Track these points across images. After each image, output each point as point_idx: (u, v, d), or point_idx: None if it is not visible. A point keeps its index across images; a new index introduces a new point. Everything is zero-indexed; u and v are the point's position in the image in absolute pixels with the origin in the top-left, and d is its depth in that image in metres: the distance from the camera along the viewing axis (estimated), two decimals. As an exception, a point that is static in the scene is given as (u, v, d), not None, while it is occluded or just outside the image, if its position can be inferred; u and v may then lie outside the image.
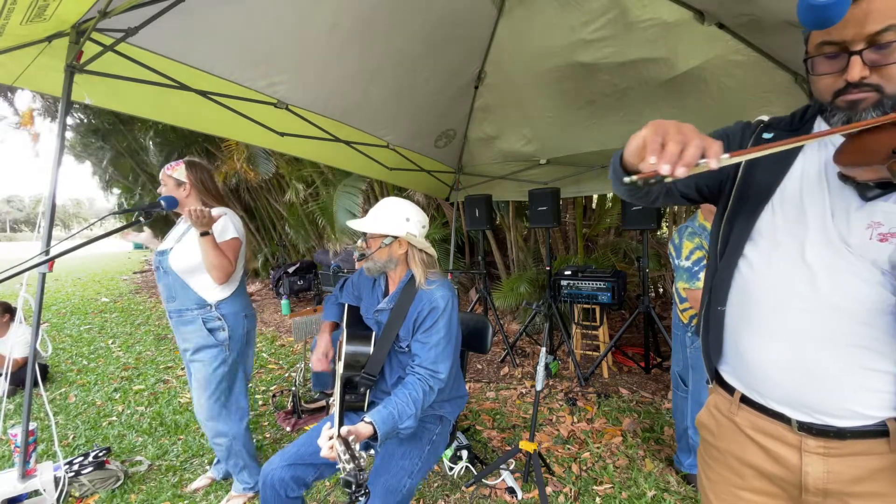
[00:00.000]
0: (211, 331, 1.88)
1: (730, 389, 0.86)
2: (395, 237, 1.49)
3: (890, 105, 0.69)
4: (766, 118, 0.90)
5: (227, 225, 1.91)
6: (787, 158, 0.81)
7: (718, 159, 0.59)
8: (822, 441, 0.74)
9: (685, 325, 2.00)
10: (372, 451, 1.35)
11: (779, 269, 0.77)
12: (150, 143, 7.35)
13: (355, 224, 1.54)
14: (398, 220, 1.49)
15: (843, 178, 0.73)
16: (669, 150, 0.58)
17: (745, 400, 0.83)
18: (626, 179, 0.63)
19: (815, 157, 0.79)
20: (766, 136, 0.85)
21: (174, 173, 1.91)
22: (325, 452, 1.11)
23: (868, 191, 0.71)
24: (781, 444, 0.79)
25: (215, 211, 1.89)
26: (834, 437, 0.73)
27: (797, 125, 0.84)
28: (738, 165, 0.86)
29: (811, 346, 0.73)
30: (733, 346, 0.84)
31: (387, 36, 2.45)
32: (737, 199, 0.85)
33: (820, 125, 0.81)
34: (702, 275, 1.73)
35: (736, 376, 0.85)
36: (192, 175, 1.93)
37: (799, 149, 0.82)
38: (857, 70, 0.68)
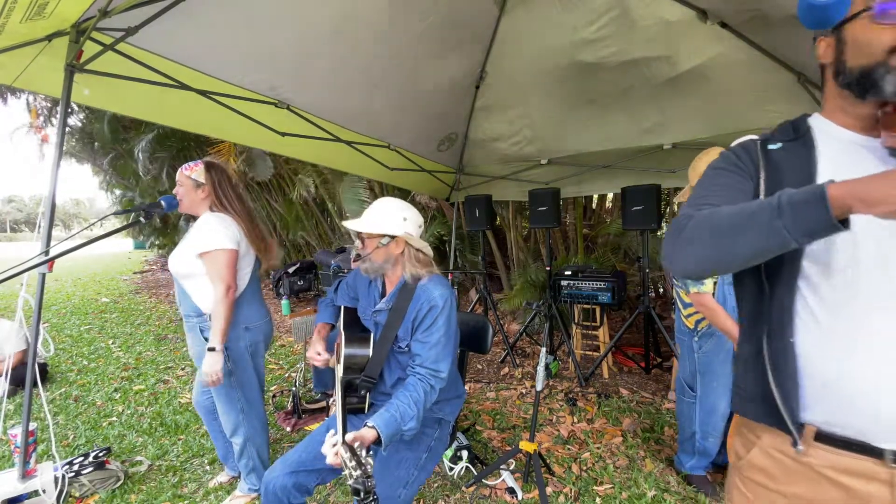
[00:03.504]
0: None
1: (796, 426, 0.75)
2: (393, 237, 1.47)
3: None
4: (754, 137, 0.86)
5: (208, 235, 1.77)
6: (808, 153, 0.77)
7: None
8: None
9: (691, 330, 1.99)
10: (371, 453, 1.34)
11: (867, 275, 0.68)
12: (140, 154, 7.28)
13: (352, 224, 1.51)
14: (395, 219, 1.47)
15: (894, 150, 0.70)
16: None
17: (820, 437, 0.73)
18: None
19: (839, 143, 0.76)
20: (773, 147, 0.81)
21: (193, 174, 1.84)
22: (330, 460, 1.10)
23: None
24: (869, 481, 0.70)
25: (212, 216, 1.83)
26: None
27: (794, 135, 0.81)
28: (753, 175, 0.80)
29: None
30: (810, 376, 0.73)
31: (391, 44, 2.44)
32: None
33: (821, 127, 0.79)
34: (707, 279, 1.71)
35: (813, 409, 0.73)
36: (211, 177, 1.86)
37: (812, 143, 0.78)
38: None
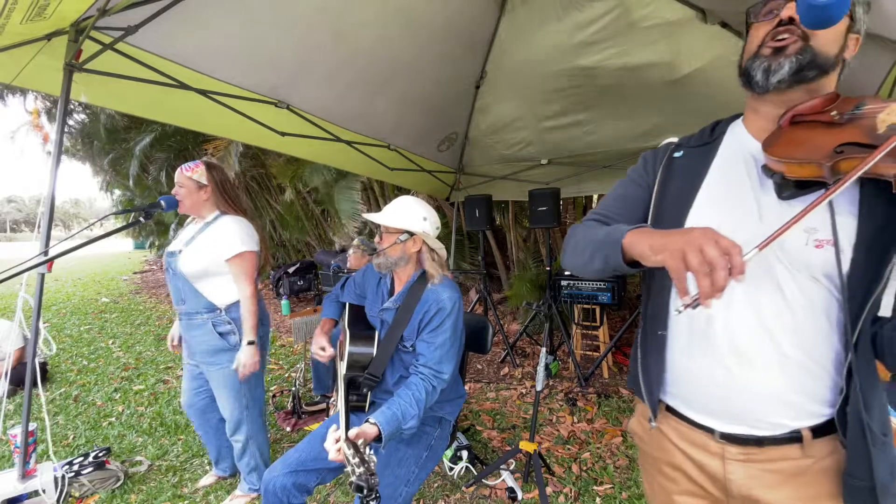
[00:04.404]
0: (222, 335, 1.85)
1: (653, 404, 0.88)
2: (412, 234, 1.48)
3: (808, 58, 0.71)
4: (675, 139, 0.93)
5: (234, 238, 1.84)
6: (704, 162, 0.83)
7: (743, 269, 0.58)
8: (742, 448, 0.77)
9: None
10: (373, 450, 1.34)
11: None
12: (137, 151, 7.27)
13: (374, 217, 1.52)
14: (416, 217, 1.48)
15: (770, 171, 0.72)
16: (704, 286, 0.58)
17: (670, 409, 0.86)
18: (676, 312, 0.64)
19: (735, 154, 0.81)
20: (677, 154, 0.89)
21: (194, 175, 1.85)
22: (332, 456, 1.09)
23: (785, 189, 0.71)
24: (705, 452, 0.81)
25: (231, 220, 1.87)
26: (753, 445, 0.76)
27: (707, 139, 0.87)
28: (651, 185, 0.88)
29: (735, 359, 0.74)
30: (670, 366, 0.84)
31: (392, 45, 2.44)
32: (655, 216, 0.85)
33: (735, 132, 0.84)
34: None
35: (668, 392, 0.86)
36: (213, 177, 1.88)
37: (714, 152, 0.84)
38: (790, 9, 0.72)
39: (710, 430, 0.79)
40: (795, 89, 0.74)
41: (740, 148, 0.81)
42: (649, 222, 0.86)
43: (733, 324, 0.74)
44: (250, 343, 1.84)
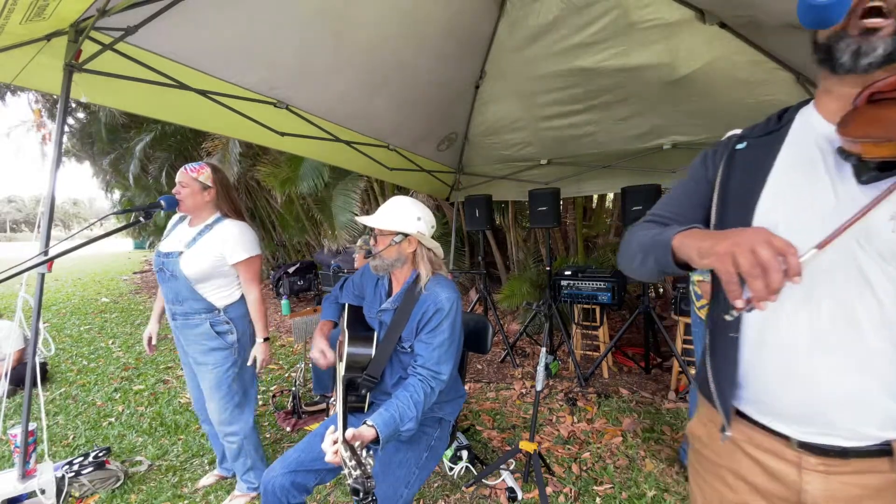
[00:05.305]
0: (219, 334, 1.87)
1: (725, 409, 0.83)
2: (406, 235, 1.47)
3: None
4: (738, 131, 0.87)
5: (242, 243, 1.86)
6: (771, 151, 0.78)
7: (799, 271, 0.55)
8: (822, 459, 0.71)
9: (703, 321, 2.01)
10: (371, 452, 1.34)
11: (787, 301, 0.70)
12: (138, 150, 7.28)
13: (367, 220, 1.52)
14: (410, 218, 1.48)
15: (845, 154, 0.67)
16: (757, 289, 0.55)
17: (741, 414, 0.80)
18: (728, 317, 0.61)
19: (806, 140, 0.75)
20: (739, 146, 0.83)
21: (200, 177, 1.85)
22: (329, 458, 1.09)
23: (864, 172, 0.65)
24: (779, 459, 0.75)
25: (234, 225, 1.88)
26: (836, 456, 0.70)
27: (774, 126, 0.80)
28: (713, 179, 0.83)
29: (821, 362, 0.68)
30: (743, 370, 0.79)
31: (392, 45, 2.44)
32: (719, 214, 0.80)
33: (805, 116, 0.78)
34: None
35: (738, 397, 0.81)
36: (217, 179, 1.89)
37: (783, 139, 0.78)
38: None
39: (786, 438, 0.73)
40: (882, 70, 0.66)
41: (812, 132, 0.74)
42: (713, 221, 0.81)
43: (813, 320, 0.68)
44: (265, 340, 1.95)
